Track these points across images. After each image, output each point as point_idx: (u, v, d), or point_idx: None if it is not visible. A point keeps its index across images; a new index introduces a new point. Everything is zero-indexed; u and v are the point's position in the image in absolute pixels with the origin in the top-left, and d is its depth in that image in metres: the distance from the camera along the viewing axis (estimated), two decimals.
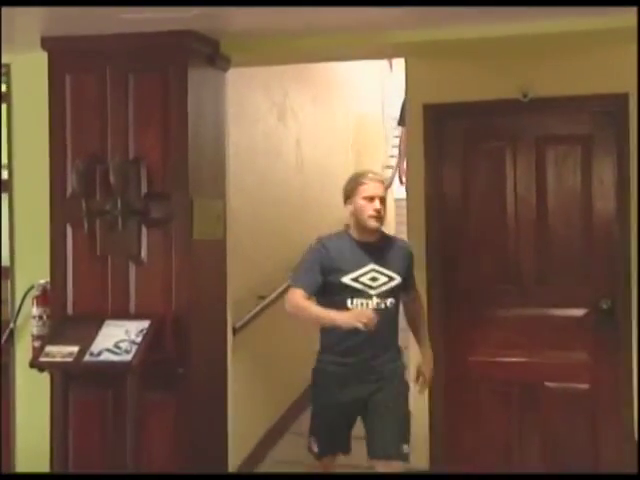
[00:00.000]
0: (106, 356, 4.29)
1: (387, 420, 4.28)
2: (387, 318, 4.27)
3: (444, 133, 5.53)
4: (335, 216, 7.66)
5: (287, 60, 5.35)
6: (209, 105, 4.77)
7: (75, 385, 4.50)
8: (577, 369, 5.31)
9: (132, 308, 4.55)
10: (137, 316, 4.48)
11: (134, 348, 4.27)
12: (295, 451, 6.24)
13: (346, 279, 4.22)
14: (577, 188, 5.36)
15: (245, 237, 5.54)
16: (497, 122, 5.48)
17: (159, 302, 4.50)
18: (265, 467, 5.96)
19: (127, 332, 4.35)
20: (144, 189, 4.53)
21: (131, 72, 4.56)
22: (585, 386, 5.30)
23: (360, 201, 4.27)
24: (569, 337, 5.31)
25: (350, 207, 4.34)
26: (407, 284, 4.45)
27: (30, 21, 4.30)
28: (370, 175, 4.39)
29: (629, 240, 5.20)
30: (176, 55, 4.53)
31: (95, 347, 4.32)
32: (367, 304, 4.23)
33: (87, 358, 4.29)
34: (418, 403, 5.39)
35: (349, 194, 4.34)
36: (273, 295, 6.13)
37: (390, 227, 9.45)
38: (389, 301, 4.29)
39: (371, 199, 4.27)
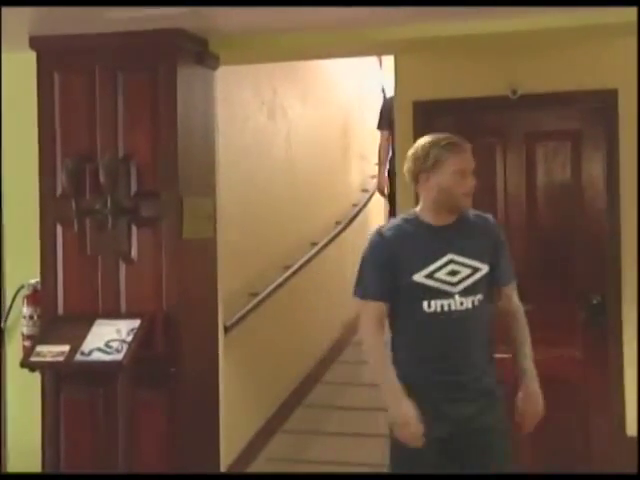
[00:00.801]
0: (97, 355, 4.28)
1: (486, 462, 3.44)
2: (476, 321, 3.44)
3: (434, 130, 5.49)
4: (326, 212, 7.70)
5: (276, 58, 5.35)
6: (198, 103, 4.76)
7: (66, 385, 4.49)
8: (567, 364, 5.33)
9: (123, 307, 4.54)
10: (128, 315, 4.47)
11: (125, 347, 4.27)
12: (287, 449, 6.27)
13: (418, 277, 3.39)
14: (567, 184, 5.38)
15: (236, 235, 5.54)
16: (487, 119, 5.49)
17: (150, 301, 4.49)
18: (257, 465, 5.96)
19: (118, 331, 4.34)
20: (134, 188, 4.52)
21: (120, 71, 4.55)
22: (575, 381, 5.31)
23: (449, 175, 3.42)
24: (559, 332, 5.32)
25: (428, 183, 3.47)
26: (498, 273, 3.54)
27: (18, 20, 4.28)
28: (459, 142, 3.51)
29: (619, 235, 5.22)
30: (165, 54, 4.52)
31: (86, 346, 4.31)
32: (449, 305, 3.40)
33: (78, 357, 4.28)
34: None
35: (429, 166, 3.46)
36: (264, 293, 6.13)
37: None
38: (477, 298, 3.44)
39: (463, 173, 3.45)
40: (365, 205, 8.65)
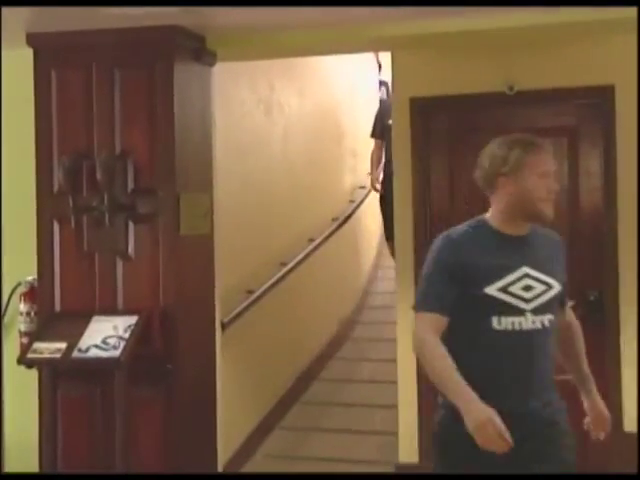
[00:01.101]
0: (94, 352, 4.28)
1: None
2: (544, 343, 3.14)
3: (431, 126, 5.53)
4: (323, 209, 7.70)
5: (273, 54, 5.34)
6: (195, 100, 4.76)
7: (63, 381, 4.50)
8: None
9: (120, 304, 4.54)
10: (125, 312, 4.47)
11: (122, 344, 4.27)
12: (284, 446, 6.27)
13: (491, 290, 3.06)
14: (564, 180, 5.38)
15: (233, 231, 5.54)
16: (483, 115, 5.49)
17: (147, 298, 4.49)
18: (254, 462, 5.96)
19: (115, 328, 4.34)
20: (131, 185, 4.52)
21: (117, 68, 4.54)
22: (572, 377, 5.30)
23: (533, 178, 3.09)
24: None
25: (506, 188, 3.13)
26: (565, 291, 3.31)
27: (15, 17, 4.28)
28: (540, 142, 3.17)
29: (616, 231, 5.22)
30: (162, 50, 4.52)
31: (83, 343, 4.31)
32: (520, 323, 3.08)
33: (75, 354, 4.28)
34: (405, 397, 5.40)
35: (508, 170, 3.11)
36: (261, 289, 6.13)
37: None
38: (547, 318, 3.13)
39: (546, 175, 3.12)
40: (362, 202, 8.66)
